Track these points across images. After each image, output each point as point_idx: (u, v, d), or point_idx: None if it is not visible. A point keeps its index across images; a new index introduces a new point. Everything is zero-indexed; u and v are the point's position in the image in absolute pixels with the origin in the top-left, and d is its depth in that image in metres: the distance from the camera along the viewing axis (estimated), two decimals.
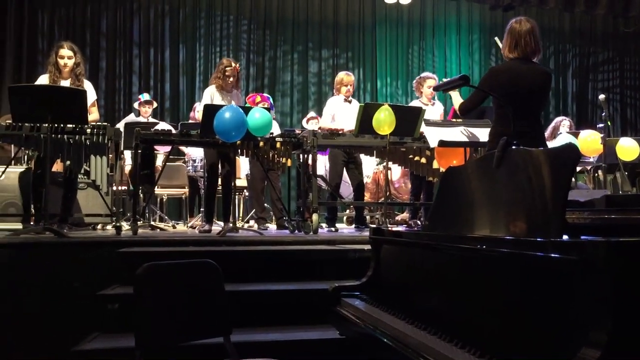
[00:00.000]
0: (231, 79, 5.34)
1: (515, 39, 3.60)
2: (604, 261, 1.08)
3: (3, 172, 4.94)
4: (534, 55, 3.63)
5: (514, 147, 1.64)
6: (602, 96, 5.68)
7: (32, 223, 5.05)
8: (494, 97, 3.54)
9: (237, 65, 5.43)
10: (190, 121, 6.94)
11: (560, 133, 6.46)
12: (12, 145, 5.32)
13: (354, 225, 6.42)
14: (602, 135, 5.50)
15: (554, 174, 1.44)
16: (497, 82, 3.57)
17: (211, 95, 5.35)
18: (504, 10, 10.33)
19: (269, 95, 6.88)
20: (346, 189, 6.61)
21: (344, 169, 5.92)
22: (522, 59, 3.60)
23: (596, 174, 6.34)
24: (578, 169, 6.43)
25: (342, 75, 6.12)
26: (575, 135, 5.93)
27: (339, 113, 5.92)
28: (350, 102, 6.02)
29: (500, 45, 3.89)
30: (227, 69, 5.32)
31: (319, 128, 6.16)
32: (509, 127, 3.36)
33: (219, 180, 5.38)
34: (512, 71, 3.58)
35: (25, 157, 6.12)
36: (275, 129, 6.22)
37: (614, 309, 1.05)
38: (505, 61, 3.73)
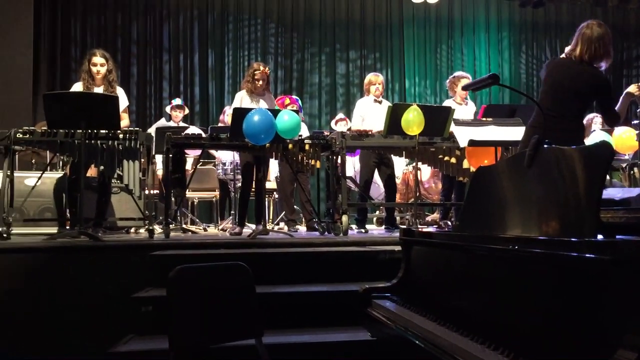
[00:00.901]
0: (260, 82, 5.39)
1: (577, 39, 3.59)
2: (638, 261, 1.06)
3: (39, 178, 5.06)
4: (594, 61, 3.58)
5: (545, 145, 1.61)
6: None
7: (67, 227, 5.16)
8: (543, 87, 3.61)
9: (266, 68, 5.48)
10: (220, 125, 7.01)
11: (594, 130, 6.33)
12: (48, 152, 5.44)
13: (384, 227, 6.39)
14: (637, 131, 5.38)
15: (588, 172, 1.42)
16: (546, 72, 3.68)
17: (241, 99, 5.41)
18: (534, 7, 10.18)
19: (297, 97, 6.90)
20: (376, 190, 6.59)
21: (375, 170, 5.90)
22: (579, 61, 3.58)
23: (632, 172, 6.19)
24: (613, 166, 6.29)
25: (370, 76, 6.13)
26: (610, 132, 5.81)
27: (369, 114, 5.90)
28: (380, 102, 5.99)
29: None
30: (256, 72, 5.37)
31: (348, 130, 6.14)
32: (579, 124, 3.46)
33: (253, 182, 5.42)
34: (556, 67, 3.67)
35: (61, 162, 6.26)
36: (304, 131, 6.24)
37: None
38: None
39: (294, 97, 6.93)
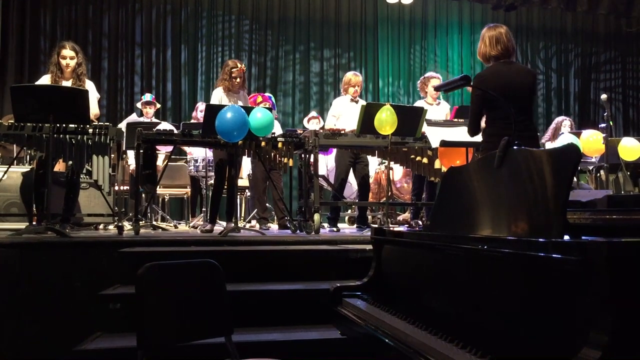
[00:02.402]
0: (238, 80, 5.36)
1: (494, 42, 3.64)
2: (604, 262, 1.08)
3: (5, 172, 4.95)
4: (511, 57, 3.70)
5: (515, 147, 1.64)
6: (604, 96, 5.68)
7: (34, 223, 5.06)
8: (491, 99, 3.54)
9: (243, 66, 5.44)
10: (192, 121, 6.95)
11: (562, 133, 6.46)
12: (15, 145, 5.33)
13: (355, 225, 6.42)
14: (604, 135, 5.50)
15: (555, 174, 1.44)
16: (486, 87, 3.57)
17: (219, 98, 5.36)
18: (506, 10, 10.33)
19: (270, 95, 6.88)
20: (348, 189, 6.60)
21: (350, 169, 5.91)
22: (504, 60, 3.66)
23: (598, 174, 6.33)
24: (580, 169, 6.42)
25: (350, 75, 6.11)
26: (577, 135, 5.93)
27: (345, 113, 5.92)
28: (357, 102, 6.01)
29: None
30: (234, 70, 5.33)
31: (321, 128, 6.14)
32: (502, 129, 3.40)
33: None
34: (499, 74, 3.63)
35: (28, 157, 6.14)
36: (277, 129, 6.23)
37: (615, 309, 1.06)
38: (487, 66, 3.77)
39: (267, 94, 6.90)
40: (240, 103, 5.29)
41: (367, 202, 6.66)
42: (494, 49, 3.66)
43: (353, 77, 6.05)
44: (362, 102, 6.06)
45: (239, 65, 5.39)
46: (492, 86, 3.55)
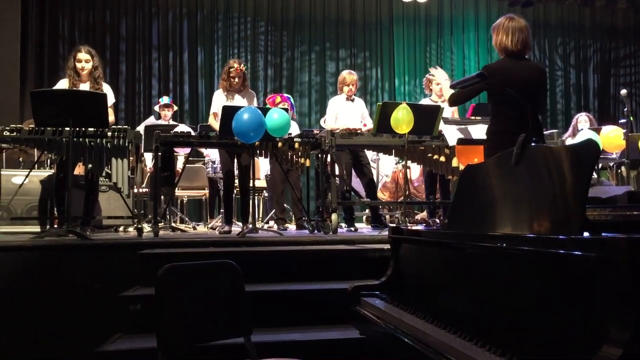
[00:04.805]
0: (236, 79, 5.33)
1: (515, 34, 3.57)
2: (625, 258, 1.07)
3: (27, 176, 5.03)
4: (525, 52, 3.62)
5: (533, 144, 1.62)
6: (624, 91, 5.59)
7: (55, 226, 5.13)
8: (501, 94, 3.48)
9: (242, 65, 5.40)
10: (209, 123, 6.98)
11: (582, 129, 6.38)
12: (36, 150, 5.41)
13: (371, 225, 6.41)
14: (624, 130, 5.43)
15: (574, 171, 1.43)
16: (494, 80, 3.47)
17: (218, 98, 5.38)
18: (523, 6, 10.24)
19: (289, 95, 6.89)
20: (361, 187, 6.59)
21: (352, 168, 5.92)
22: (514, 57, 3.58)
23: (619, 170, 6.25)
24: (600, 165, 6.34)
25: (344, 74, 6.09)
26: (597, 131, 5.85)
27: (342, 112, 5.93)
28: (353, 100, 6.01)
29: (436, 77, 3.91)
30: (231, 70, 5.32)
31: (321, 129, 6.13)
32: (506, 125, 3.36)
33: (236, 182, 5.42)
34: (507, 68, 3.54)
35: (48, 160, 6.22)
36: (295, 129, 6.24)
37: (636, 306, 1.04)
38: (498, 59, 3.70)
39: (286, 95, 6.91)
40: (240, 102, 5.29)
41: (384, 202, 6.64)
42: (511, 41, 3.56)
43: (347, 75, 6.03)
44: (359, 100, 6.08)
45: (236, 65, 5.35)
46: (498, 80, 3.45)
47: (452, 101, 3.82)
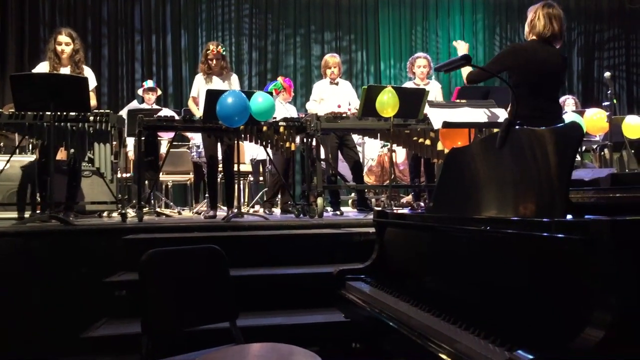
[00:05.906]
0: (214, 61, 5.28)
1: (554, 20, 3.67)
2: (607, 240, 1.07)
3: (8, 162, 4.95)
4: (555, 41, 3.73)
5: (517, 127, 1.62)
6: (607, 74, 5.62)
7: (38, 211, 5.07)
8: (515, 75, 3.57)
9: (219, 47, 5.32)
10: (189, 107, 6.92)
11: (566, 112, 6.41)
12: (17, 134, 5.33)
13: (356, 208, 6.42)
14: (607, 113, 5.46)
15: (558, 153, 1.43)
16: (517, 60, 3.64)
17: (197, 82, 5.36)
18: None
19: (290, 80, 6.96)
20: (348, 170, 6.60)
21: (338, 151, 5.92)
22: (544, 41, 3.68)
23: (602, 153, 6.30)
24: (584, 147, 6.39)
25: (327, 57, 6.10)
26: (581, 113, 5.89)
27: (327, 96, 5.94)
28: (337, 83, 6.00)
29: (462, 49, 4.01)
30: (209, 52, 5.26)
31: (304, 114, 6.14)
32: (528, 107, 3.41)
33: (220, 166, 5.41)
34: (534, 50, 3.66)
35: (30, 145, 6.14)
36: (293, 113, 6.26)
37: (618, 288, 1.05)
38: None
39: (287, 78, 6.94)
40: (219, 85, 5.24)
41: (369, 185, 6.64)
42: (548, 27, 3.67)
43: (330, 58, 6.03)
44: (344, 83, 6.07)
45: (212, 47, 5.28)
46: (521, 60, 3.61)
47: (471, 80, 3.90)
